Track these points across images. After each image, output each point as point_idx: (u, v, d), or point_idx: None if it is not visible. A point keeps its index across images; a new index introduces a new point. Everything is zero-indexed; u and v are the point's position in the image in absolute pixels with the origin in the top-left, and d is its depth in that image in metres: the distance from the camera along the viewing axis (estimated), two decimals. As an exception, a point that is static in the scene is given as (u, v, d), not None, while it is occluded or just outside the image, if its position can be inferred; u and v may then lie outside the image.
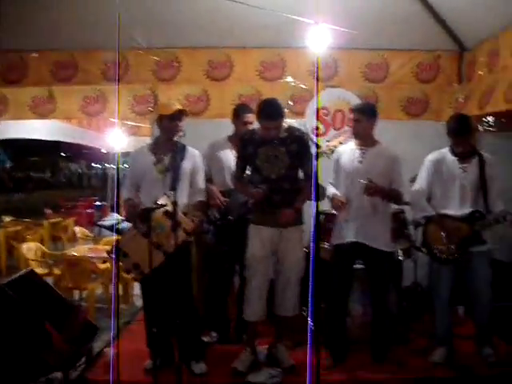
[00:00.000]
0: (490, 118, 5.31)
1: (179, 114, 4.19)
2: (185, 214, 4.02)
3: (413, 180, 4.82)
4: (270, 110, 4.14)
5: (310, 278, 3.59)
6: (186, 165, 4.24)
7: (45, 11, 5.17)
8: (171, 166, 4.10)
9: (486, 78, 5.50)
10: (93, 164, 48.57)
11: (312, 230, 3.83)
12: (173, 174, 4.07)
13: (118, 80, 4.60)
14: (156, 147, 4.31)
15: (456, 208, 4.37)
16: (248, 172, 4.40)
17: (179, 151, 4.22)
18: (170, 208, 3.79)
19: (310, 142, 4.35)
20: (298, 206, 4.21)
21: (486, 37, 5.38)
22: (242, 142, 4.35)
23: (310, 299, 3.48)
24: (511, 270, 5.56)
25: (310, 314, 3.76)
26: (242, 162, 4.37)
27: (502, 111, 5.17)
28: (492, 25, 5.13)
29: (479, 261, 4.36)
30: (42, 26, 5.38)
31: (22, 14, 5.22)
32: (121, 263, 4.07)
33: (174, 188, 3.90)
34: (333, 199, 4.40)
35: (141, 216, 3.89)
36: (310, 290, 3.52)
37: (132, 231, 3.98)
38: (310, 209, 4.00)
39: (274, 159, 4.20)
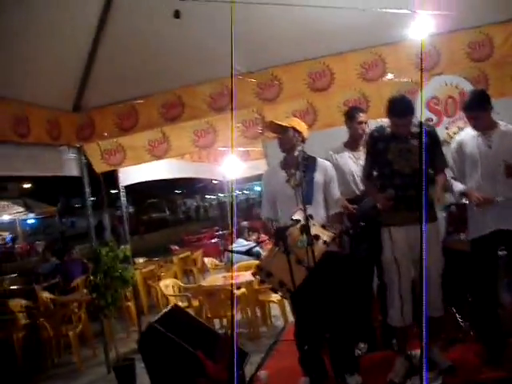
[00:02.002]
0: None
1: (278, 128, 4.26)
2: (323, 226, 3.97)
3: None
4: (401, 108, 4.08)
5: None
6: (318, 177, 4.24)
7: (144, 59, 5.38)
8: (303, 180, 4.09)
9: None
10: (206, 196, 50.20)
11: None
12: (306, 187, 4.05)
13: (233, 108, 4.68)
14: (286, 164, 4.35)
15: None
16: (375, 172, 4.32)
17: (309, 164, 4.23)
18: (305, 222, 3.77)
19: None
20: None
21: None
22: (372, 138, 4.29)
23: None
24: None
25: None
26: (371, 158, 4.29)
27: None
28: None
29: None
30: (144, 73, 5.61)
31: (125, 64, 5.48)
32: (267, 283, 4.10)
33: (308, 202, 3.87)
34: (470, 195, 4.18)
35: (278, 234, 3.86)
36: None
37: (273, 250, 3.94)
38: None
39: (407, 153, 4.10)
